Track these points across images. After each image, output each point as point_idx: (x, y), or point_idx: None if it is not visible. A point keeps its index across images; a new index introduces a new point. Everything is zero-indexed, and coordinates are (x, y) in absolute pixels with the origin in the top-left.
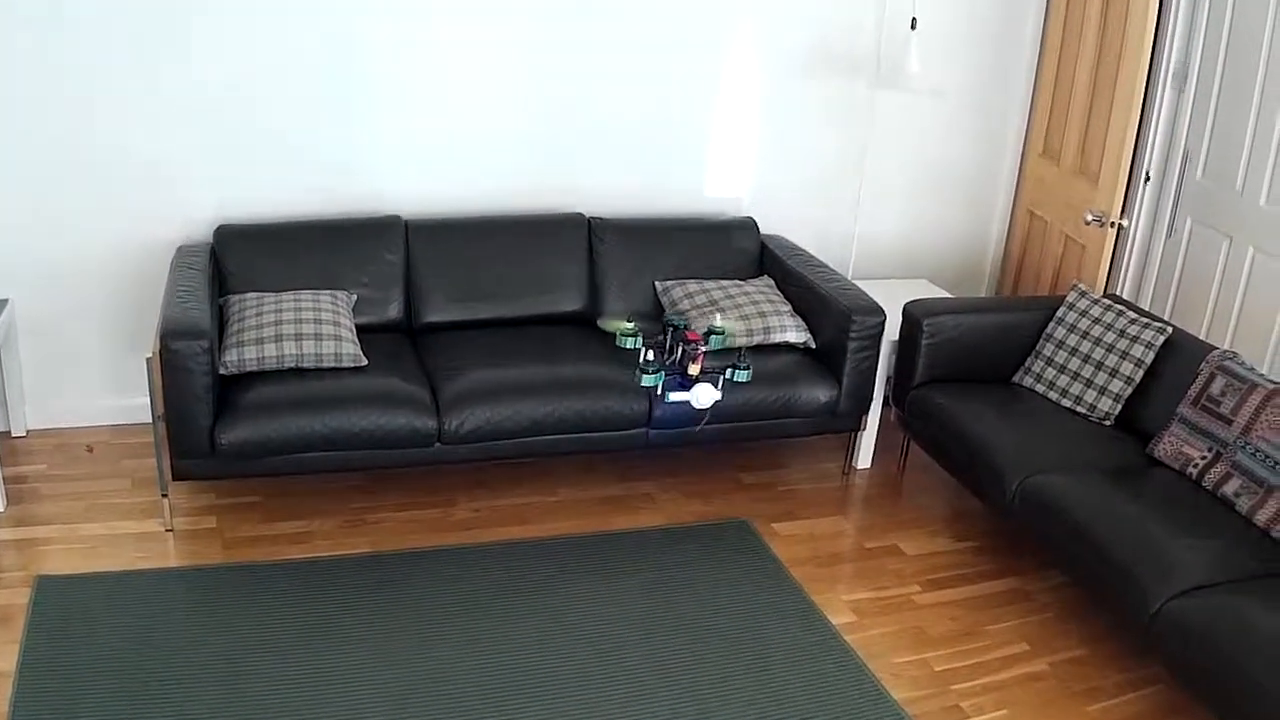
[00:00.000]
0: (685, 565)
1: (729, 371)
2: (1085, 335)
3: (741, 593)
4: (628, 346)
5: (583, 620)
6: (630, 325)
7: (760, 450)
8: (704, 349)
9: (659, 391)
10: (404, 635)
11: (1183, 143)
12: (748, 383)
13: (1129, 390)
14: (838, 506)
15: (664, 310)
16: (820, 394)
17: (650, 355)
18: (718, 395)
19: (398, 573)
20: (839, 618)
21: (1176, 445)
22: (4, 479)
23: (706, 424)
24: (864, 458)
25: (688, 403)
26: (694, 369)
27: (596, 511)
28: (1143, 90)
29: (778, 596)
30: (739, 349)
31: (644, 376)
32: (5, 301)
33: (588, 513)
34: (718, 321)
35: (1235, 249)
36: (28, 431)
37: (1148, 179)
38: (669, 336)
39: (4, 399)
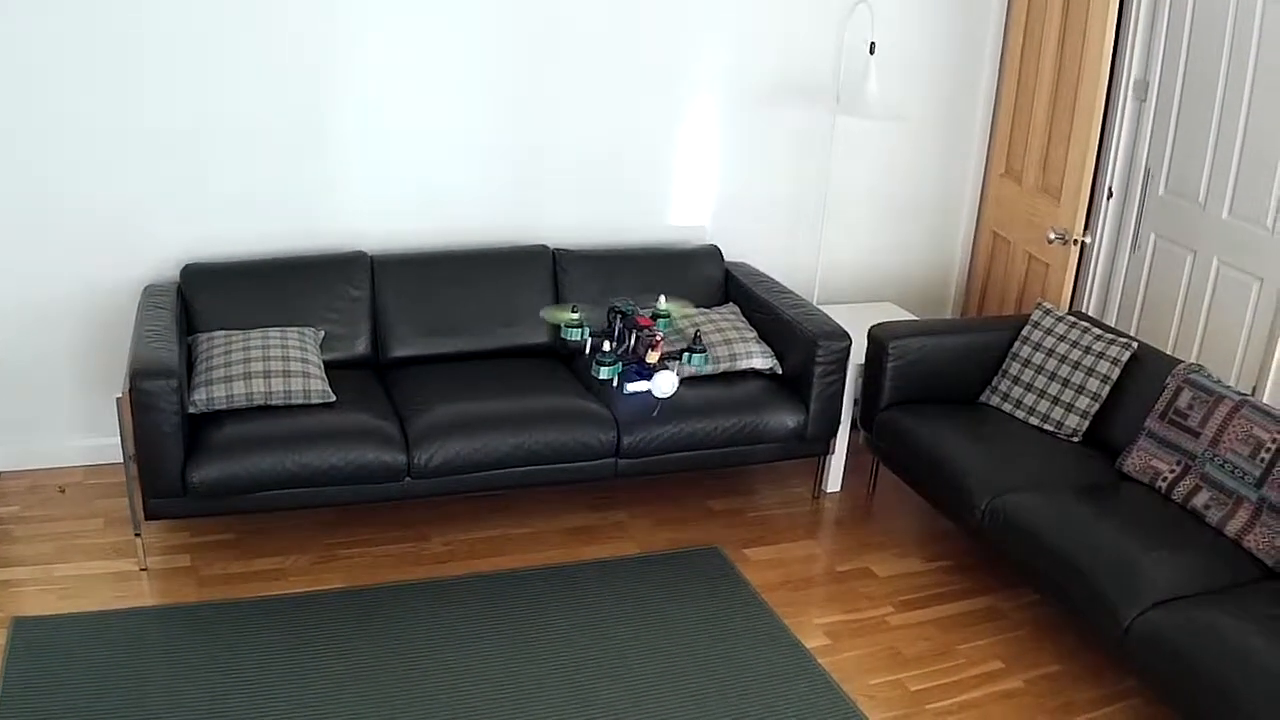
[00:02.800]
0: (658, 593)
1: (685, 356)
2: (1051, 353)
3: (715, 619)
4: (573, 339)
5: (558, 650)
6: (575, 315)
7: (729, 477)
8: (661, 334)
9: (615, 384)
10: (382, 670)
11: (1144, 158)
12: (703, 368)
13: (1096, 406)
14: (808, 530)
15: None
16: (788, 419)
17: (605, 346)
18: (677, 381)
19: (373, 607)
20: (813, 641)
21: (1145, 459)
22: None
23: (672, 453)
24: (833, 481)
25: (648, 393)
26: (653, 356)
27: (568, 542)
28: (1103, 105)
29: (751, 622)
30: (695, 331)
31: (600, 369)
32: None
33: (560, 543)
34: (662, 304)
35: (1199, 262)
36: (0, 473)
37: (1110, 195)
38: (618, 323)
39: None
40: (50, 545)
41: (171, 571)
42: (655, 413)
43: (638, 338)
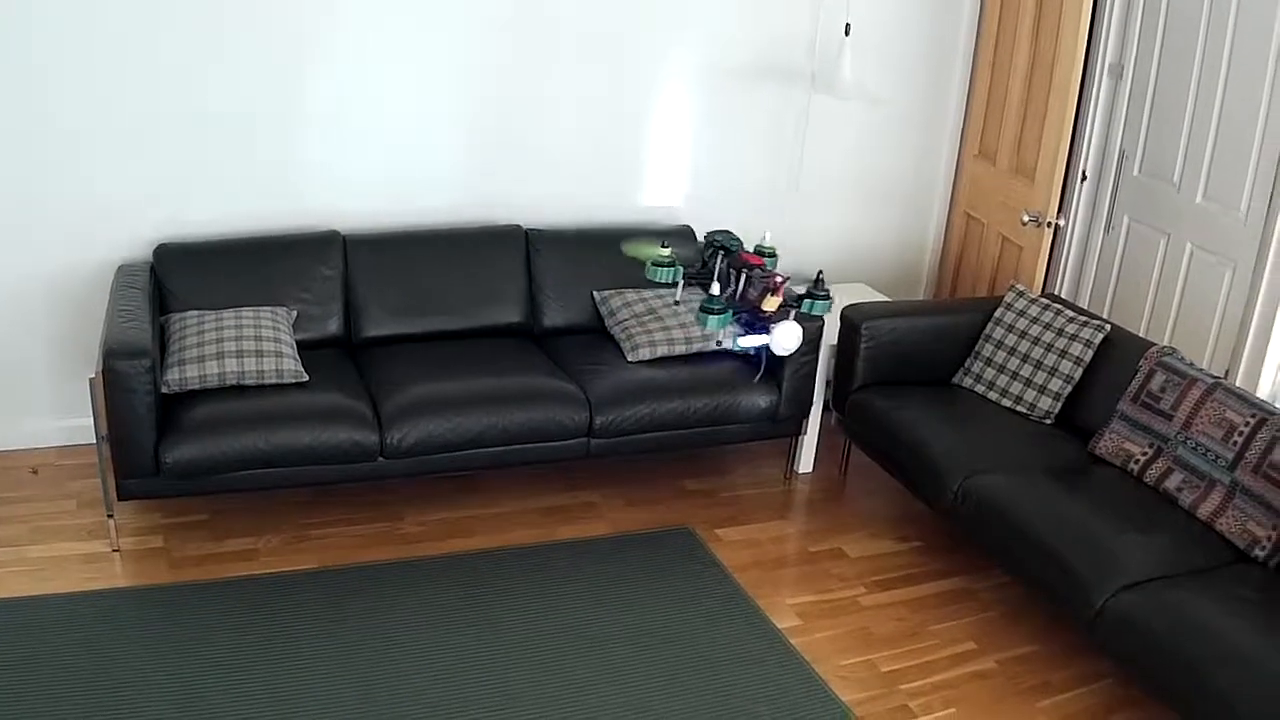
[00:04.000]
0: (631, 573)
1: (805, 304)
2: (1024, 335)
3: (687, 599)
4: (662, 279)
5: (532, 630)
6: (666, 252)
7: (702, 457)
8: (781, 275)
9: (721, 337)
10: (357, 650)
11: (1119, 141)
12: (824, 315)
13: (1069, 389)
14: (780, 511)
15: (603, 319)
16: (760, 400)
17: (715, 289)
18: (801, 334)
19: (347, 588)
20: (784, 621)
21: (1117, 442)
22: None
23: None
24: (805, 462)
25: (765, 349)
26: (771, 303)
27: (541, 522)
28: (1078, 87)
29: (723, 602)
30: (819, 272)
31: (708, 318)
32: None
33: (533, 523)
34: (766, 240)
35: (1173, 246)
36: None
37: (1084, 178)
38: (719, 262)
39: None
40: (23, 527)
41: (144, 552)
42: (759, 376)
43: (748, 278)
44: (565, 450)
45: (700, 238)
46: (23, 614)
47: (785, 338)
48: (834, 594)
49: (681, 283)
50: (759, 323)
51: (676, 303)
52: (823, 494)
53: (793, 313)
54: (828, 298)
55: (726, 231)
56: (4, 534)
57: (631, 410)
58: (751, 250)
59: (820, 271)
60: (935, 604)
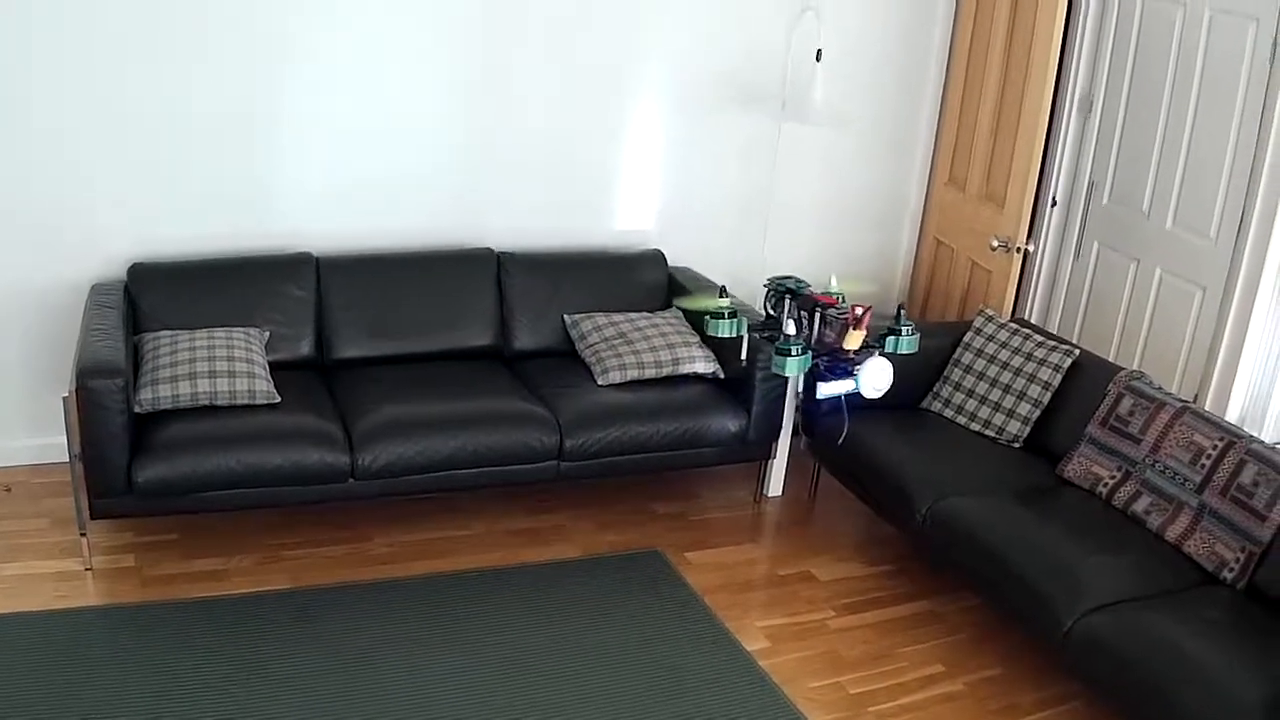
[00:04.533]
0: (600, 596)
1: (889, 342)
2: (992, 360)
3: (656, 622)
4: (724, 334)
5: (501, 652)
6: (726, 303)
7: (671, 480)
8: (863, 308)
9: (800, 385)
10: (327, 670)
11: (1089, 169)
12: (913, 353)
13: (1037, 413)
14: (750, 534)
15: (573, 342)
16: (730, 423)
17: (790, 328)
18: (891, 371)
19: (317, 608)
20: (754, 644)
21: (1086, 465)
22: None
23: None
24: (775, 485)
25: (854, 394)
26: (854, 339)
27: (511, 544)
28: (1048, 117)
29: (692, 625)
30: (899, 306)
31: (786, 361)
32: None
33: (502, 545)
34: (834, 285)
35: (1142, 271)
36: None
37: (1054, 204)
38: (789, 305)
39: None
40: None
41: (116, 571)
42: (843, 436)
43: (823, 318)
44: (535, 473)
45: (670, 263)
46: None
47: (876, 377)
48: (803, 617)
49: (747, 336)
50: (839, 365)
51: (742, 362)
52: (792, 517)
53: (876, 351)
54: (916, 332)
55: (790, 276)
56: None
57: (601, 433)
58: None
59: (901, 305)
60: (904, 626)
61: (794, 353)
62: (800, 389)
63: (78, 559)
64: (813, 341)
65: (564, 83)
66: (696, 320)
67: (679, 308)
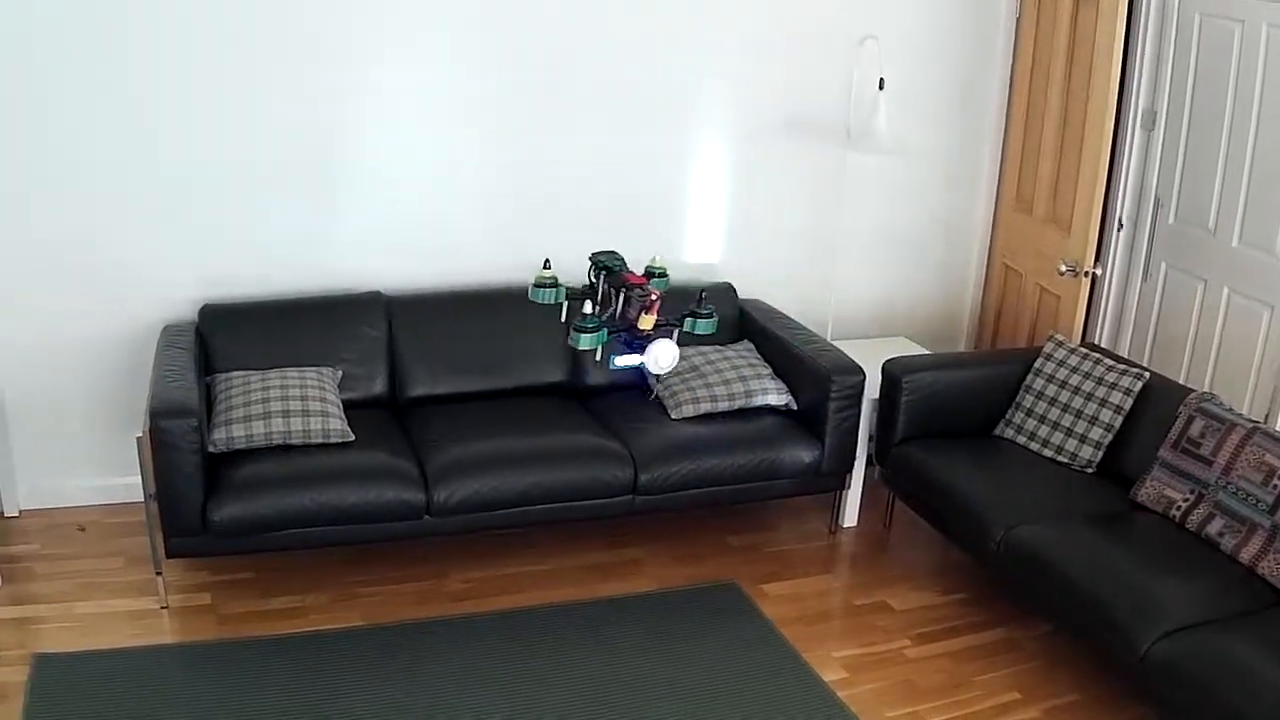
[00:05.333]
0: (676, 629)
1: (687, 322)
2: (1064, 385)
3: (733, 654)
4: (544, 300)
5: (578, 687)
6: (548, 273)
7: (746, 512)
8: (657, 293)
9: (599, 356)
10: (404, 707)
11: (1154, 187)
12: (712, 334)
13: (1109, 437)
14: (825, 565)
15: (646, 376)
16: (804, 455)
17: (587, 307)
18: (677, 353)
19: (393, 645)
20: (830, 674)
21: (1158, 489)
22: None
23: (689, 490)
24: (849, 516)
25: (641, 367)
26: (647, 321)
27: (586, 578)
28: (1111, 134)
29: (769, 656)
30: (699, 292)
31: (580, 337)
32: None
33: (578, 580)
34: (657, 260)
35: (1210, 291)
36: (20, 511)
37: (1120, 226)
38: (601, 282)
39: None
40: (71, 583)
41: (191, 609)
42: (652, 395)
43: (627, 298)
44: (610, 507)
45: (739, 295)
46: (71, 669)
47: (661, 355)
48: (879, 646)
49: (565, 304)
50: (637, 341)
51: (564, 323)
52: (867, 547)
53: (675, 331)
54: (711, 316)
55: (611, 251)
56: (52, 590)
57: (676, 467)
58: (641, 271)
59: (702, 291)
60: (979, 655)
61: (588, 329)
62: (614, 360)
63: (153, 597)
64: (616, 318)
65: (627, 118)
66: (761, 346)
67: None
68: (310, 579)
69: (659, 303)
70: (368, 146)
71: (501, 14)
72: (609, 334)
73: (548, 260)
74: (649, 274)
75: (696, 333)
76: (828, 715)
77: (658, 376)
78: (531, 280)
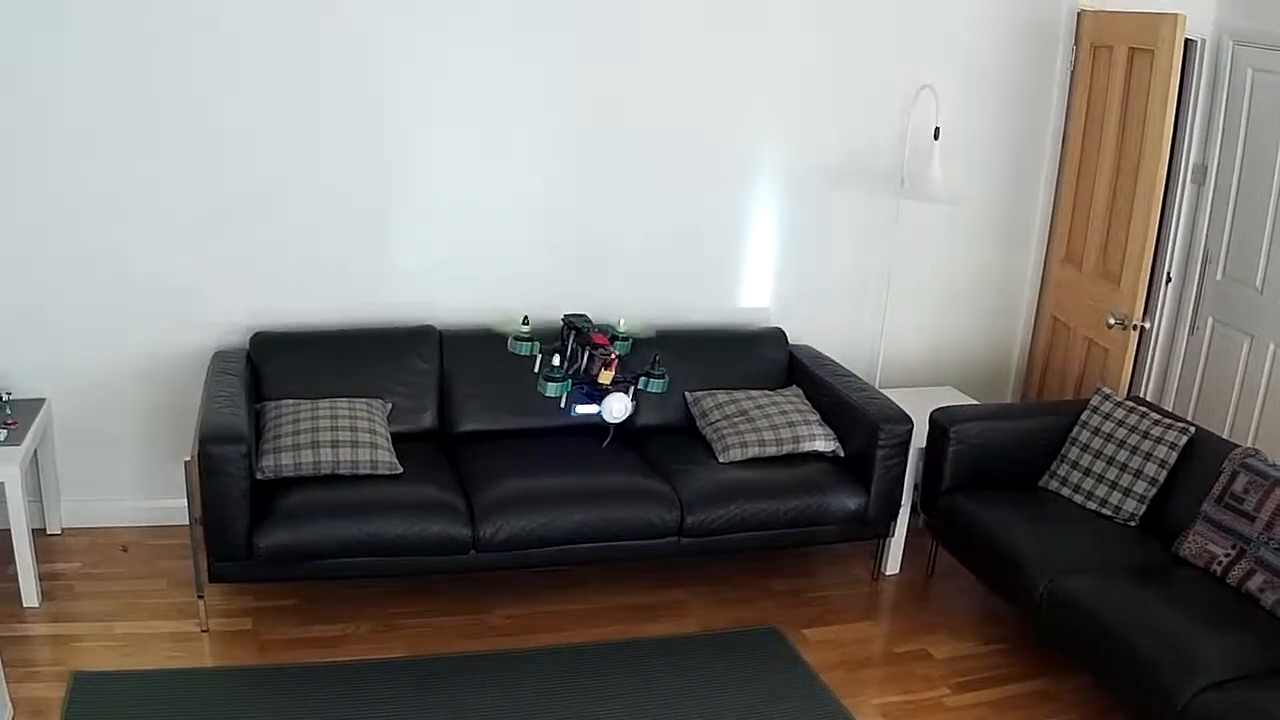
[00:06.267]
0: (717, 672)
1: (641, 381)
2: (1109, 438)
3: (773, 698)
4: (522, 353)
5: None
6: (526, 328)
7: (789, 557)
8: (616, 353)
9: (563, 403)
10: None
11: (1203, 243)
12: (663, 394)
13: (1153, 491)
14: (867, 612)
15: (694, 419)
16: (849, 502)
17: (555, 360)
18: (630, 407)
19: (434, 678)
20: None
21: (1200, 544)
22: (40, 575)
23: (735, 533)
24: (893, 563)
25: (597, 415)
26: (605, 376)
27: (629, 618)
28: (1162, 189)
29: (809, 702)
30: (653, 354)
31: (547, 385)
32: (43, 401)
33: (620, 619)
34: (622, 325)
35: (1256, 347)
36: (63, 530)
37: (1169, 280)
38: (571, 340)
39: (40, 497)
40: (112, 603)
41: (233, 634)
42: (607, 441)
43: (591, 356)
44: (656, 549)
45: (790, 341)
46: (110, 687)
47: (615, 407)
48: (919, 695)
49: (540, 356)
50: (595, 392)
51: (535, 374)
52: (909, 595)
53: (631, 388)
54: (662, 377)
55: (582, 315)
56: (93, 608)
57: (722, 510)
58: (609, 333)
59: (656, 354)
60: (1019, 705)
61: (555, 379)
62: (574, 408)
63: (195, 620)
64: (581, 371)
65: (684, 161)
66: (809, 392)
67: (490, 329)
68: (353, 609)
69: (617, 361)
70: (427, 180)
71: (568, 56)
72: (572, 384)
73: (526, 317)
74: (612, 336)
75: (650, 391)
76: None
77: (610, 425)
78: (510, 333)
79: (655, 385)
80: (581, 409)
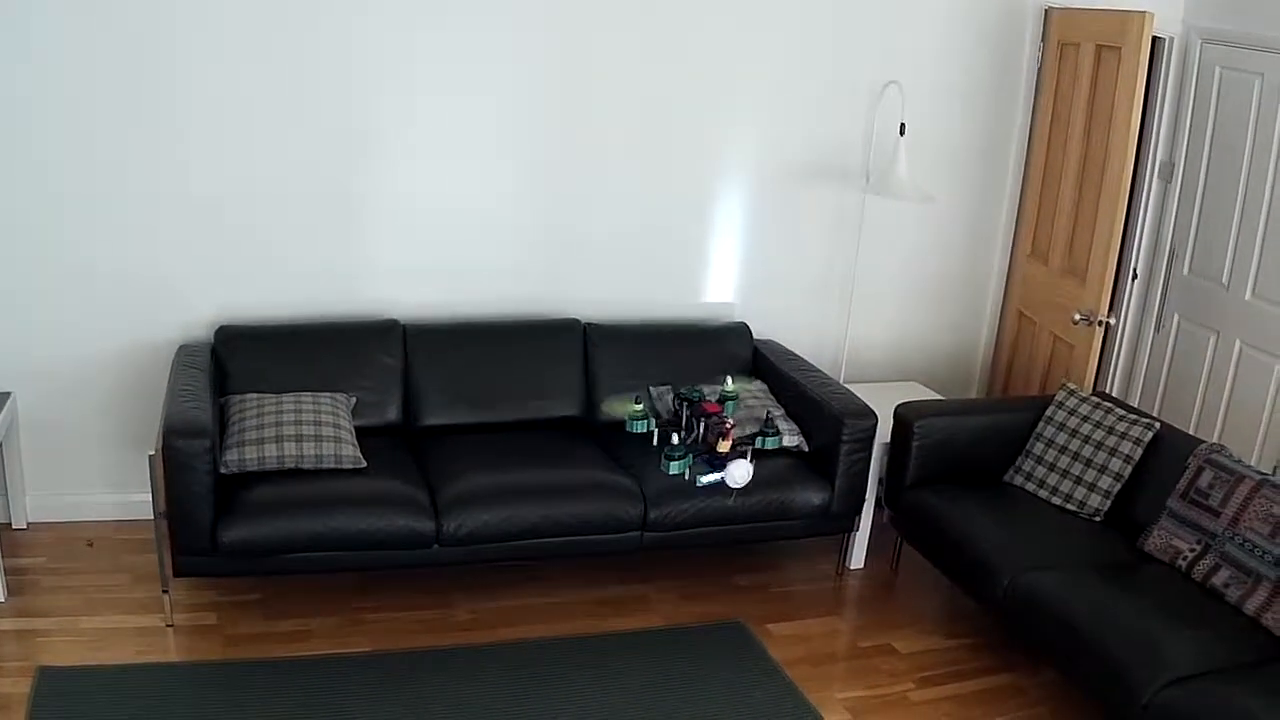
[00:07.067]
0: (682, 666)
1: (759, 440)
2: (1075, 433)
3: (738, 693)
4: (639, 430)
5: None
6: (639, 407)
7: (754, 552)
8: (731, 421)
9: (688, 476)
10: None
11: (1169, 239)
12: (780, 449)
13: (1118, 486)
14: (831, 606)
15: (659, 414)
16: (814, 496)
17: (674, 439)
18: (751, 471)
19: (399, 673)
20: (835, 716)
21: (1166, 539)
22: (5, 570)
23: (699, 528)
24: (857, 558)
25: (722, 482)
26: (724, 445)
27: (593, 613)
28: (1129, 187)
29: (773, 696)
30: (766, 413)
31: (670, 463)
32: (7, 395)
33: (585, 614)
34: (729, 385)
35: (1222, 343)
36: (28, 524)
37: (1135, 276)
38: (685, 411)
39: (5, 491)
40: (77, 598)
41: (197, 629)
42: (732, 498)
43: (706, 425)
44: (619, 543)
45: (754, 336)
46: (74, 683)
47: (737, 473)
48: (884, 689)
49: (656, 430)
50: (718, 461)
51: (655, 447)
52: (874, 590)
53: (750, 451)
54: (777, 433)
55: (692, 386)
56: (58, 603)
57: (686, 505)
58: (717, 396)
59: (769, 411)
60: (984, 700)
61: (676, 457)
62: (700, 480)
63: (159, 615)
64: (699, 442)
65: (650, 156)
66: (774, 387)
67: (604, 410)
68: (318, 603)
69: (733, 429)
70: (391, 176)
71: (536, 54)
72: (694, 457)
73: (638, 396)
74: (722, 398)
75: (766, 448)
76: None
77: (733, 489)
78: (625, 413)
79: (772, 442)
80: (706, 479)
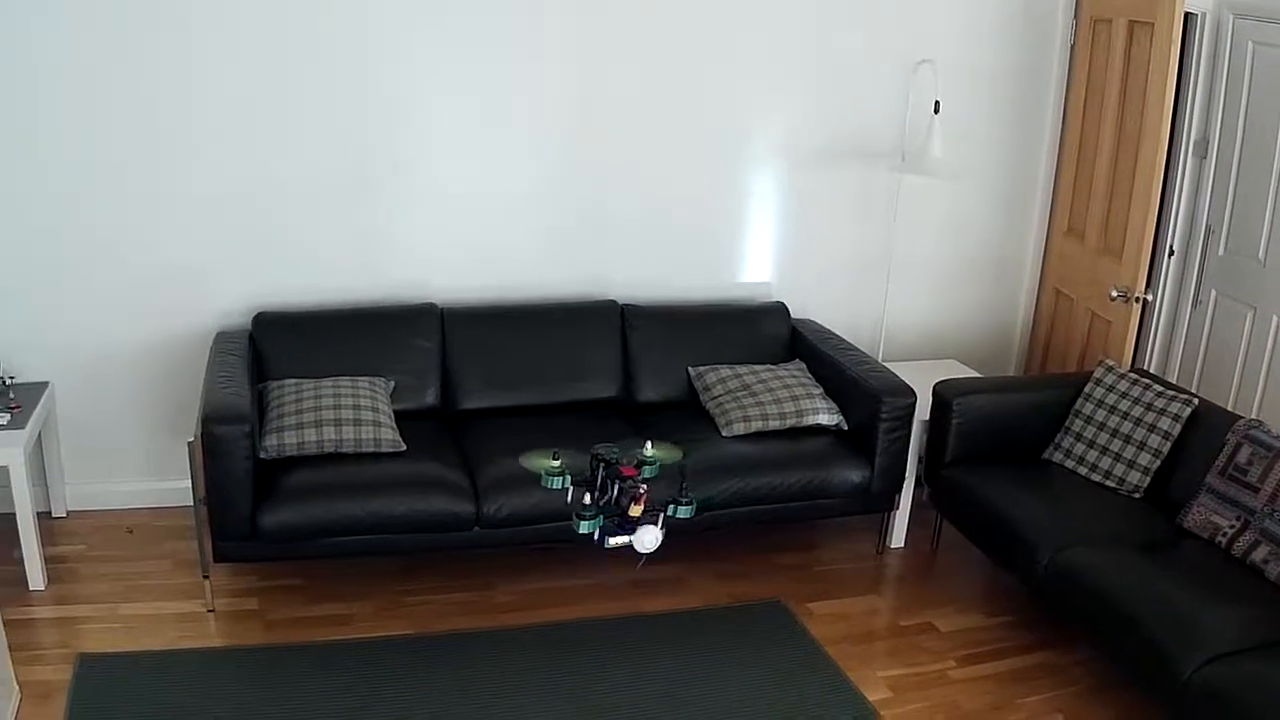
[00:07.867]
0: (721, 646)
1: (670, 508)
2: (1113, 410)
3: (778, 672)
4: (554, 487)
5: (622, 703)
6: (556, 463)
7: (793, 531)
8: (644, 487)
9: (596, 537)
10: (447, 718)
11: (1205, 216)
12: (691, 519)
13: (1157, 463)
14: (872, 585)
15: (698, 394)
16: (853, 475)
17: (586, 499)
18: (660, 537)
19: (440, 655)
20: (875, 694)
21: (1205, 515)
22: (45, 558)
23: (737, 508)
24: (897, 536)
25: (630, 546)
26: (636, 510)
27: (632, 594)
28: (1164, 163)
29: (814, 675)
30: (681, 479)
31: (580, 523)
32: (46, 384)
33: (624, 595)
34: (648, 450)
35: (1259, 319)
36: (68, 512)
37: (1171, 253)
38: (601, 472)
39: (45, 480)
40: (117, 584)
41: (238, 614)
42: (640, 565)
43: (620, 489)
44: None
45: (792, 315)
46: (116, 669)
47: (645, 539)
48: (924, 667)
49: (571, 489)
50: (628, 524)
51: (568, 505)
52: (914, 568)
53: (661, 516)
54: (691, 504)
55: (609, 445)
56: (99, 590)
57: (725, 484)
58: (635, 461)
59: (684, 480)
60: (1024, 677)
61: (586, 517)
62: (607, 541)
63: (200, 601)
64: (610, 504)
65: (685, 137)
66: (812, 366)
67: (521, 463)
68: (358, 587)
69: (645, 495)
70: (428, 160)
71: (566, 36)
72: (604, 519)
73: (556, 452)
74: (639, 463)
75: (678, 517)
76: None
77: (642, 555)
78: (541, 469)
79: (683, 512)
80: (613, 541)
